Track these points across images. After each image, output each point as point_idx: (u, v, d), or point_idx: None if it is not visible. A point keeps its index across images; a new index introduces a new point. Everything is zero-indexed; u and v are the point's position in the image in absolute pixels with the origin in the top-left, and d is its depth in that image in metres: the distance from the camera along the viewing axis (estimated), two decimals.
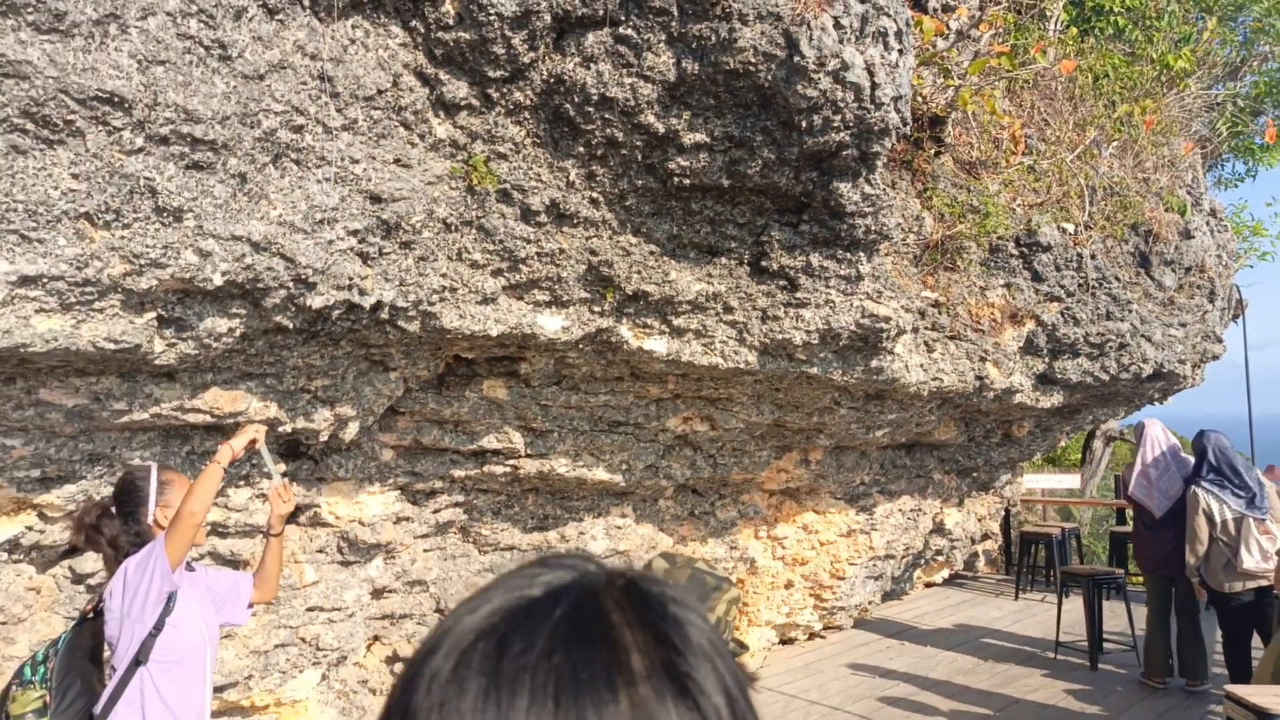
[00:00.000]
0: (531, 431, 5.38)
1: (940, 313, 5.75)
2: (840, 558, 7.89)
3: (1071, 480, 12.91)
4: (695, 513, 6.92)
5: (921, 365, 5.66)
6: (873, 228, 4.71)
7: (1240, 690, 4.23)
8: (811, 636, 8.74)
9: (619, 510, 6.40)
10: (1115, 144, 7.49)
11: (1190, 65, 8.53)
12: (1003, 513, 11.57)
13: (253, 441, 2.90)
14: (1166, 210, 7.23)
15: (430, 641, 0.58)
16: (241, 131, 3.35)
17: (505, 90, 4.02)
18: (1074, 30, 7.88)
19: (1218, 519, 6.46)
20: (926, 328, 5.71)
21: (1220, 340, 7.89)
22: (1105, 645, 8.00)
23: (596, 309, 4.59)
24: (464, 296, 4.20)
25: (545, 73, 3.99)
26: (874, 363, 5.40)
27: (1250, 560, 6.34)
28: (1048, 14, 7.52)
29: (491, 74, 3.93)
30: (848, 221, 4.63)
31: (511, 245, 4.21)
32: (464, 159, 4.09)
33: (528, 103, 4.07)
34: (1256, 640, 6.63)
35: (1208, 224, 8.64)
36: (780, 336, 4.93)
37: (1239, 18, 11.34)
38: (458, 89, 3.96)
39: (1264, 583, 6.25)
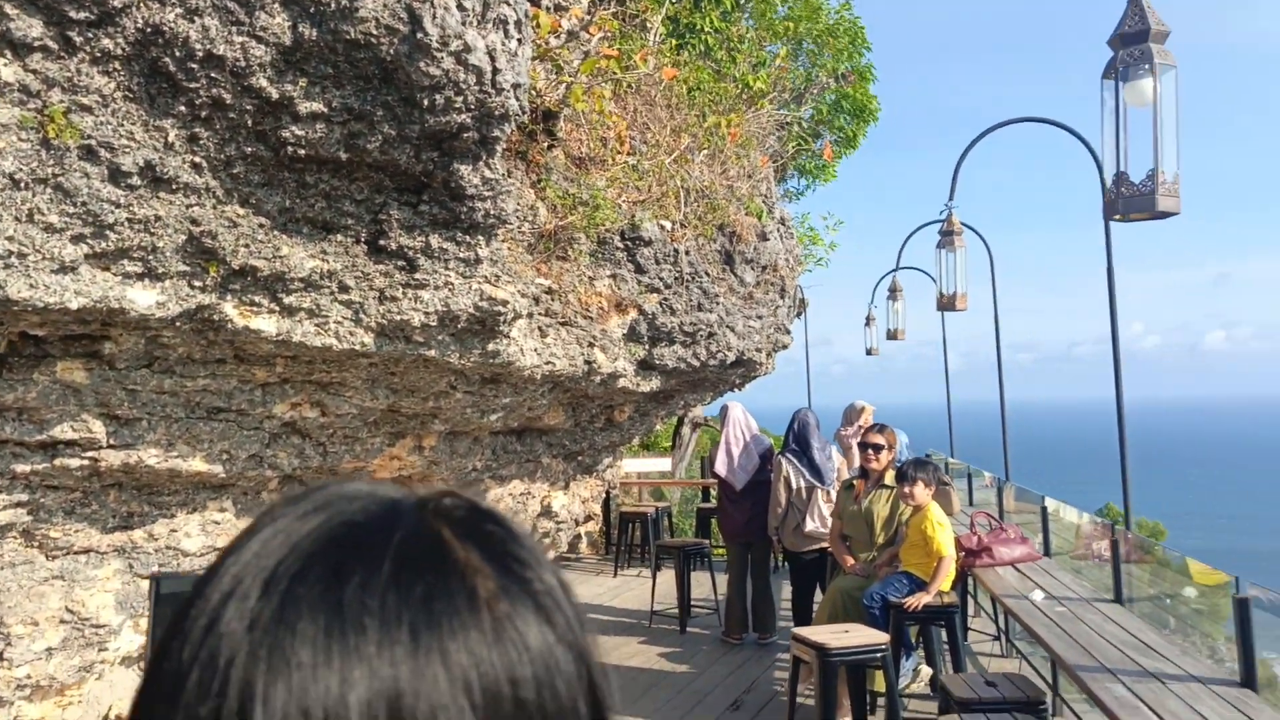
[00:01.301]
0: (116, 420, 4.83)
1: (553, 299, 5.96)
2: None
3: (664, 463, 13.95)
4: None
5: (535, 349, 5.83)
6: (492, 212, 4.78)
7: (804, 632, 4.84)
8: None
9: (216, 504, 5.94)
10: (706, 152, 8.19)
11: (766, 86, 9.56)
12: (604, 495, 12.24)
13: None
14: (747, 214, 8.04)
15: (220, 582, 0.49)
16: None
17: (91, 35, 3.58)
18: (672, 42, 8.51)
19: (794, 486, 7.29)
20: (540, 313, 5.90)
21: (789, 332, 8.91)
22: (693, 610, 8.74)
23: (198, 284, 4.23)
24: (36, 264, 3.68)
25: (141, 21, 3.60)
26: (491, 346, 5.48)
27: (812, 524, 7.22)
28: (648, 25, 8.04)
29: (74, 15, 3.48)
30: (468, 204, 4.66)
31: (97, 209, 3.76)
32: (38, 108, 3.59)
33: (119, 52, 3.65)
34: (819, 595, 7.57)
35: (779, 230, 9.71)
36: (399, 318, 4.84)
37: (799, 53, 12.86)
38: (30, 27, 3.46)
39: (824, 545, 7.15)
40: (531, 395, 6.52)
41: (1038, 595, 5.01)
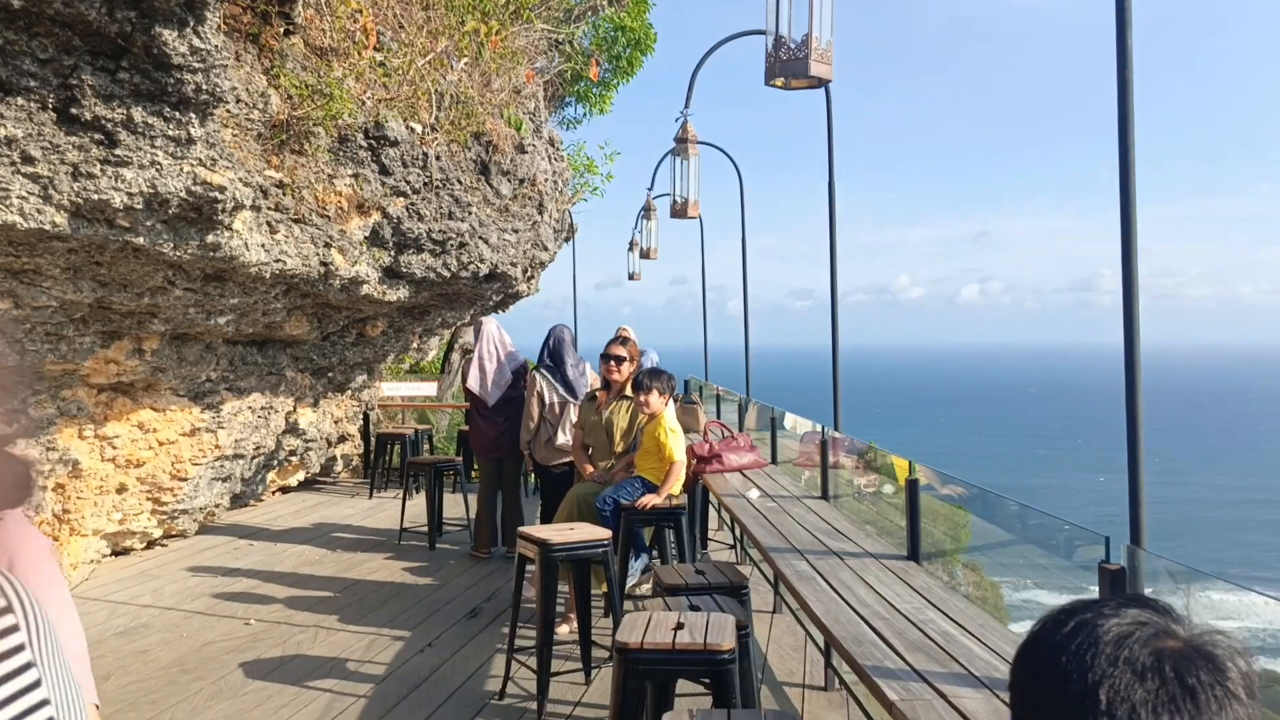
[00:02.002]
0: None
1: (285, 194, 5.64)
2: (183, 458, 7.47)
3: (429, 388, 13.69)
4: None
5: (263, 245, 5.51)
6: (204, 87, 4.44)
7: (528, 529, 4.88)
8: (150, 545, 8.21)
9: None
10: (466, 60, 7.95)
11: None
12: (362, 418, 11.91)
13: None
14: (507, 126, 7.89)
15: (1098, 654, 0.82)
16: None
17: None
18: None
19: (547, 401, 7.29)
20: (270, 208, 5.57)
21: (548, 249, 8.87)
22: (445, 528, 8.68)
23: None
24: None
25: None
26: (211, 238, 5.13)
27: (563, 439, 7.27)
28: None
29: None
30: (175, 75, 4.30)
31: None
32: None
33: None
34: None
35: (548, 152, 9.61)
36: (97, 197, 4.44)
37: None
38: None
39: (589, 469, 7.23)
40: (264, 297, 6.18)
41: (754, 494, 5.26)
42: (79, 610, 4.98)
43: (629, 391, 6.43)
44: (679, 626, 3.23)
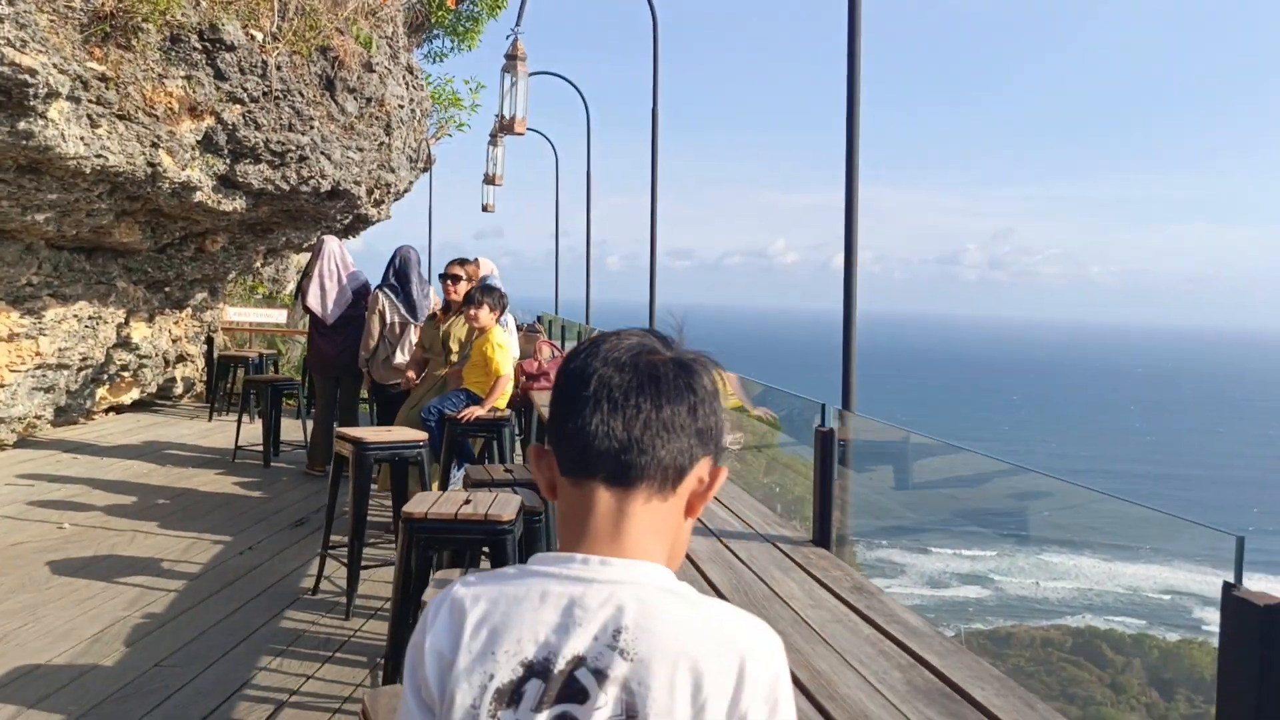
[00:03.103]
0: None
1: (108, 88, 5.52)
2: (0, 364, 7.24)
3: (278, 315, 13.45)
4: None
5: (83, 139, 5.39)
6: None
7: (346, 430, 5.00)
8: None
9: None
10: None
11: None
12: (206, 341, 11.65)
13: None
14: (356, 43, 7.82)
15: (594, 356, 1.02)
16: None
17: None
18: None
19: (389, 320, 7.33)
20: (91, 100, 5.44)
21: (395, 173, 8.85)
22: (282, 449, 8.64)
23: None
24: None
25: None
26: (23, 125, 5.00)
27: (402, 358, 7.35)
28: None
29: None
30: None
31: None
32: None
33: None
34: None
35: (404, 78, 9.54)
36: None
37: None
38: None
39: (411, 375, 7.32)
40: (86, 195, 6.03)
41: None
42: None
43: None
44: (466, 503, 3.42)
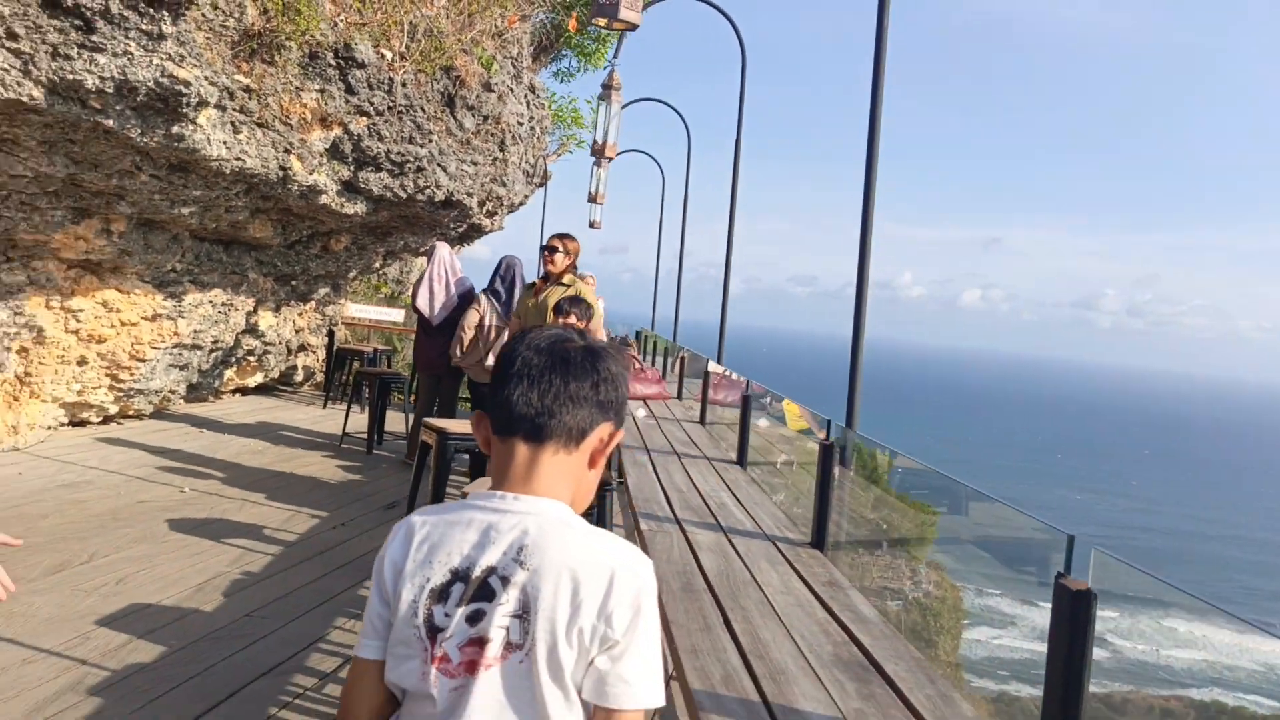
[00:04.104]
0: None
1: (251, 98, 6.14)
2: (143, 340, 8.00)
3: (397, 315, 14.21)
4: None
5: (225, 142, 6.02)
6: None
7: (432, 420, 5.44)
8: (106, 421, 8.76)
9: None
10: None
11: None
12: (328, 334, 12.43)
13: None
14: (478, 64, 8.37)
15: (521, 343, 1.36)
16: None
17: None
18: None
19: (487, 323, 7.82)
20: (235, 109, 6.07)
21: (507, 186, 9.37)
22: (384, 438, 9.23)
23: None
24: None
25: None
26: (176, 129, 5.63)
27: (492, 360, 7.82)
28: None
29: None
30: None
31: None
32: None
33: None
34: None
35: (526, 97, 10.09)
36: (72, 77, 4.94)
37: None
38: None
39: None
40: (225, 193, 6.69)
41: (640, 413, 5.82)
42: (30, 466, 5.70)
43: (566, 280, 6.94)
44: None
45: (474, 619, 1.27)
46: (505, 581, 1.27)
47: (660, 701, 1.29)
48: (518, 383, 1.34)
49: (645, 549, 2.61)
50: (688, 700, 1.79)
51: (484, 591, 1.28)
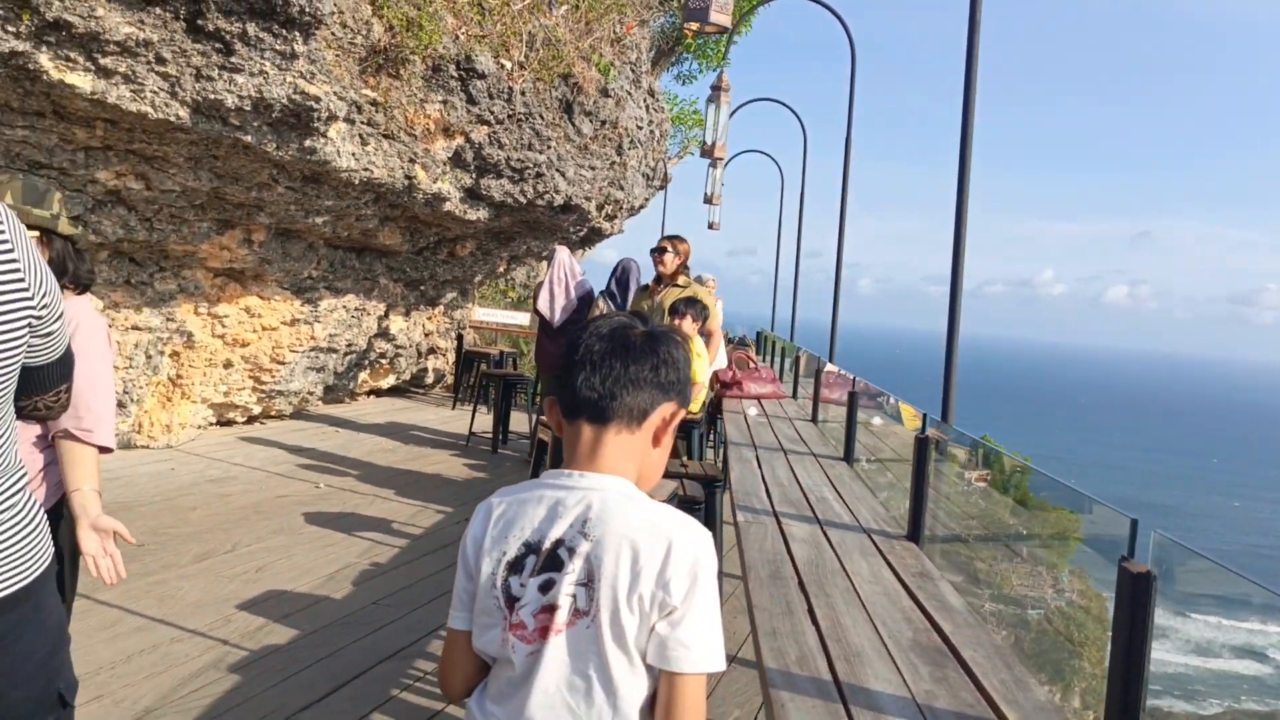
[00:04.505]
0: None
1: (377, 111, 6.44)
2: (282, 344, 8.46)
3: (523, 318, 14.55)
4: (132, 281, 7.06)
5: (354, 154, 6.33)
6: (307, 9, 5.22)
7: (548, 418, 5.59)
8: (250, 420, 9.28)
9: None
10: (567, 7, 8.62)
11: None
12: (456, 337, 12.85)
13: None
14: (596, 70, 8.54)
15: (586, 332, 1.43)
16: None
17: None
18: None
19: None
20: (363, 122, 6.37)
21: (624, 190, 9.51)
22: (510, 437, 9.49)
23: (11, 29, 4.61)
24: None
25: None
26: (308, 142, 5.96)
27: None
28: None
29: None
30: None
31: None
32: None
33: None
34: None
35: (645, 101, 10.22)
36: (213, 97, 5.29)
37: None
38: None
39: None
40: (355, 203, 7.02)
41: (752, 411, 5.83)
42: (181, 462, 6.09)
43: (680, 281, 7.02)
44: None
45: (545, 588, 1.35)
46: (571, 552, 1.35)
47: (720, 666, 1.35)
48: (581, 369, 1.42)
49: (739, 539, 2.66)
50: (762, 678, 1.83)
51: (553, 562, 1.36)
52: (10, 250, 1.32)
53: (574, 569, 1.34)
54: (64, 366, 1.55)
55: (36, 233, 2.49)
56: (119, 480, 6.73)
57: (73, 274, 2.56)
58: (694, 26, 4.17)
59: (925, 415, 3.01)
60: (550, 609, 1.35)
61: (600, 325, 1.47)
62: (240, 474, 7.35)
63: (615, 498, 1.38)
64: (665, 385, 1.43)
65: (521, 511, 1.42)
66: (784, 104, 10.54)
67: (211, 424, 8.76)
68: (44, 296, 1.37)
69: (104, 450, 2.44)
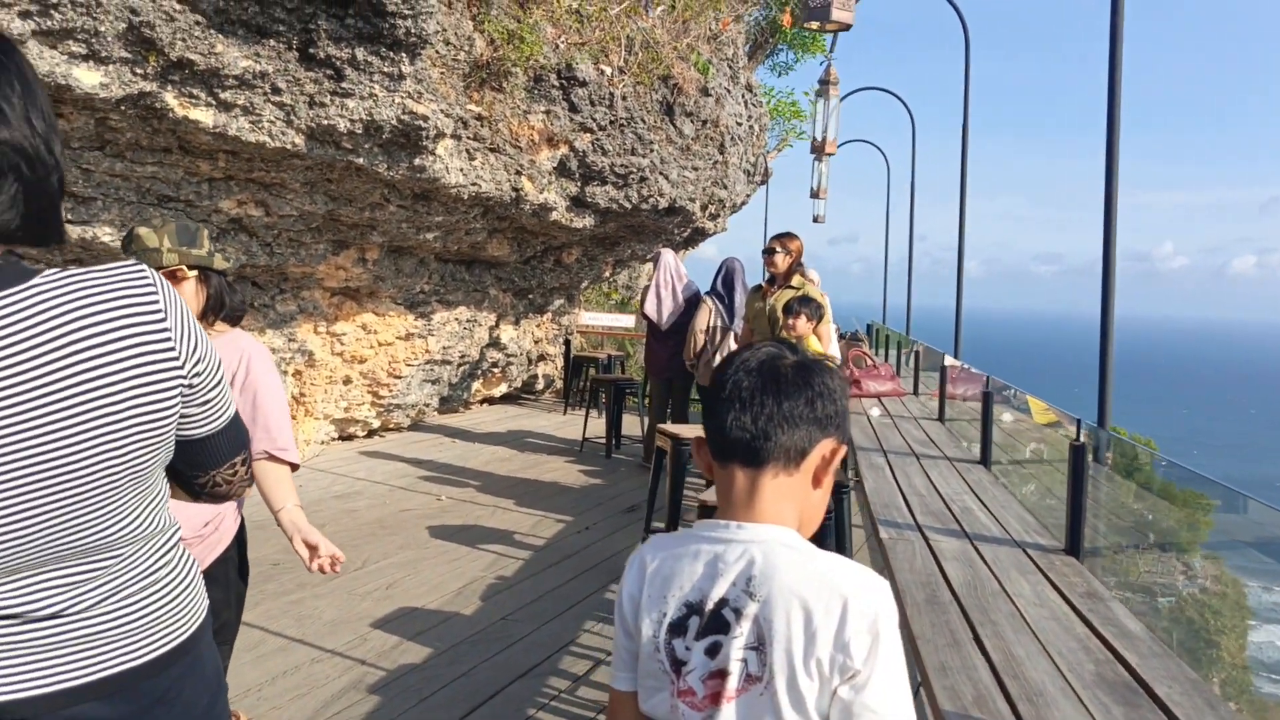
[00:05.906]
0: (72, 196, 5.44)
1: (483, 125, 6.48)
2: (398, 358, 8.62)
3: (628, 320, 14.57)
4: (255, 304, 7.27)
5: (462, 170, 6.38)
6: (413, 30, 5.27)
7: (666, 426, 5.53)
8: (370, 434, 9.48)
9: None
10: (663, 8, 8.56)
11: None
12: (564, 342, 12.93)
13: None
14: (695, 70, 8.45)
15: (732, 366, 1.34)
16: None
17: None
18: None
19: (712, 325, 7.91)
20: (469, 137, 6.42)
21: (727, 188, 9.40)
22: (623, 442, 9.49)
23: (139, 71, 4.77)
24: None
25: None
26: (418, 161, 6.03)
27: (719, 361, 7.88)
28: None
29: None
30: (389, 20, 5.15)
31: None
32: None
33: None
34: None
35: (743, 97, 10.10)
36: (326, 122, 5.39)
37: None
38: None
39: None
40: (464, 217, 7.09)
41: (875, 412, 5.67)
42: (308, 478, 6.25)
43: (794, 281, 6.89)
44: None
45: (712, 651, 1.27)
46: (738, 614, 1.27)
47: None
48: (729, 407, 1.33)
49: (885, 557, 2.55)
50: (936, 719, 1.73)
51: (718, 623, 1.28)
52: (163, 320, 1.29)
53: (742, 631, 1.26)
54: (235, 438, 1.47)
55: (195, 272, 2.56)
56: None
57: (229, 308, 2.65)
58: (814, 25, 4.05)
59: (1080, 421, 2.84)
60: (720, 674, 1.26)
61: (748, 357, 1.37)
62: (364, 488, 7.51)
63: (779, 550, 1.29)
64: (823, 420, 1.32)
65: (678, 568, 1.34)
66: (891, 93, 10.32)
67: (334, 439, 8.98)
68: (195, 364, 1.34)
69: (294, 467, 2.67)
